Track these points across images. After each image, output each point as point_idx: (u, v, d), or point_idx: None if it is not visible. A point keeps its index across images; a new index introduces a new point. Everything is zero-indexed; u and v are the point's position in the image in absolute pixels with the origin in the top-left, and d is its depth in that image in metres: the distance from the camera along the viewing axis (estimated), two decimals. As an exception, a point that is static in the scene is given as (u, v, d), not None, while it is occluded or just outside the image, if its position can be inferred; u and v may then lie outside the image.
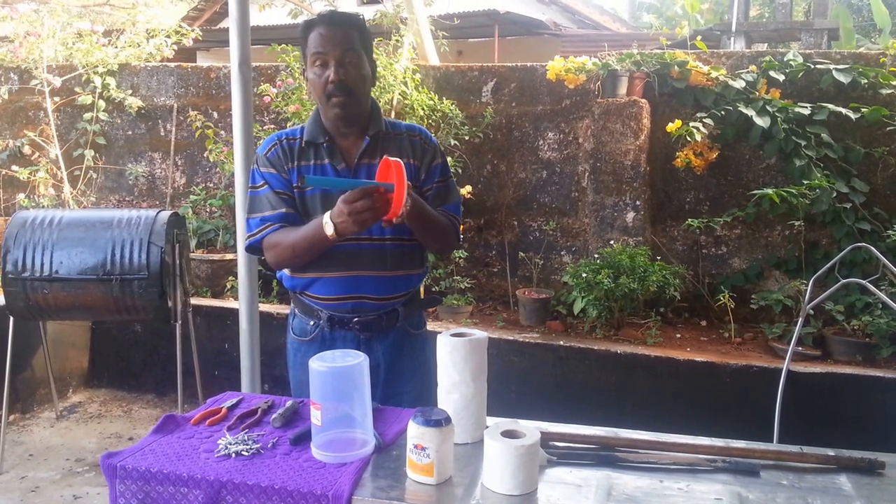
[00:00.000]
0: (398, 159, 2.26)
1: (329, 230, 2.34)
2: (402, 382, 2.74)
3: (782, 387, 3.66)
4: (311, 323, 2.70)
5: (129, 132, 7.54)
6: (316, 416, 2.03)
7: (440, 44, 7.34)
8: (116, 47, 7.66)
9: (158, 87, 7.49)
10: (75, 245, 4.43)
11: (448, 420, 1.91)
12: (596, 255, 5.75)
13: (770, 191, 5.32)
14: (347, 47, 2.51)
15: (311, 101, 5.72)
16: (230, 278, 6.18)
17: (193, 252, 6.46)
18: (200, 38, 8.37)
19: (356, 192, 2.26)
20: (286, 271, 2.71)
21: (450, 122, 6.25)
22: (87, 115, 7.38)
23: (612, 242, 5.86)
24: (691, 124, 5.59)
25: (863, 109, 5.42)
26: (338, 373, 2.04)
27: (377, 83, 5.95)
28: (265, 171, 2.62)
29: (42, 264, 4.40)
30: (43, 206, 6.96)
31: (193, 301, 5.31)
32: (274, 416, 2.30)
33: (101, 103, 7.39)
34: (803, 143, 5.49)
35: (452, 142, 6.21)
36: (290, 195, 2.60)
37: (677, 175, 6.05)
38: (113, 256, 4.40)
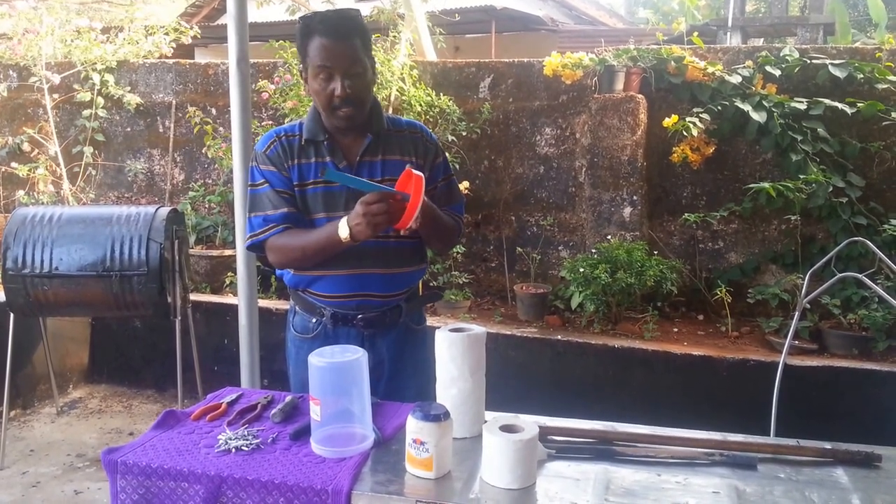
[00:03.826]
0: (421, 174, 2.28)
1: (344, 233, 2.35)
2: (406, 378, 2.74)
3: (779, 380, 3.68)
4: (314, 320, 2.70)
5: (128, 129, 7.54)
6: (315, 412, 2.05)
7: (437, 40, 7.35)
8: (115, 44, 7.65)
9: (157, 83, 7.49)
10: (75, 241, 4.44)
11: (447, 414, 1.92)
12: (593, 250, 5.76)
13: (766, 185, 5.34)
14: (353, 60, 2.47)
15: (309, 97, 5.73)
16: (229, 274, 6.19)
17: (192, 248, 6.47)
18: (199, 35, 8.36)
19: (374, 195, 2.28)
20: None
21: (447, 117, 6.26)
22: (86, 112, 7.38)
23: (609, 237, 5.87)
24: (688, 119, 5.60)
25: (859, 104, 5.44)
26: (337, 368, 2.05)
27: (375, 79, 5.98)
28: (265, 168, 2.60)
29: (42, 261, 4.41)
30: (42, 203, 6.96)
31: (193, 297, 5.32)
32: (274, 411, 2.32)
33: (100, 100, 7.38)
34: (799, 137, 5.50)
35: (450, 137, 6.22)
36: (291, 193, 2.59)
37: (674, 170, 6.06)
38: (112, 253, 4.42)
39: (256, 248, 2.65)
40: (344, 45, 2.46)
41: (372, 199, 2.27)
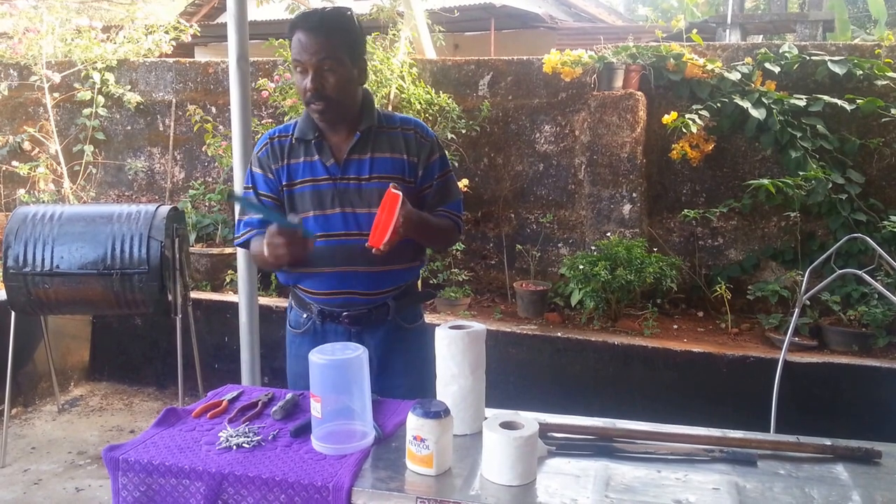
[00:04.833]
0: (399, 192, 2.29)
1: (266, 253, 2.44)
2: (395, 376, 2.75)
3: (779, 377, 3.69)
4: (305, 316, 2.74)
5: (128, 127, 7.55)
6: (316, 409, 2.05)
7: (437, 37, 7.34)
8: (115, 43, 7.66)
9: (157, 82, 7.49)
10: (76, 240, 4.44)
11: (447, 411, 1.93)
12: (593, 247, 5.77)
13: (766, 182, 5.34)
14: (324, 55, 2.46)
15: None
16: (229, 272, 6.20)
17: (193, 246, 6.48)
18: (198, 33, 8.36)
19: (275, 229, 2.36)
20: None
21: (447, 115, 6.25)
22: (87, 111, 7.38)
23: (608, 234, 5.88)
24: (687, 116, 5.60)
25: (858, 101, 5.44)
26: (337, 365, 2.06)
27: (374, 77, 5.98)
28: (255, 171, 2.67)
29: (43, 259, 4.41)
30: (43, 202, 6.96)
31: (193, 295, 5.33)
32: (274, 408, 2.33)
33: (100, 99, 7.38)
34: (799, 134, 5.50)
35: (449, 135, 6.22)
36: (273, 197, 2.65)
37: (673, 167, 6.07)
38: (113, 251, 4.42)
39: (243, 246, 2.75)
40: (318, 41, 2.46)
41: (272, 232, 2.36)
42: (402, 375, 2.77)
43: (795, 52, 5.81)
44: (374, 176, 2.57)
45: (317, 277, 2.65)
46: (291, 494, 1.90)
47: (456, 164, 6.31)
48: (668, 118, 5.67)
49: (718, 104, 5.70)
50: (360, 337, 2.67)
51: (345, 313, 2.66)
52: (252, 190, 2.67)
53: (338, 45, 2.49)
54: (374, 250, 2.33)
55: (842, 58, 5.64)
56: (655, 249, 5.78)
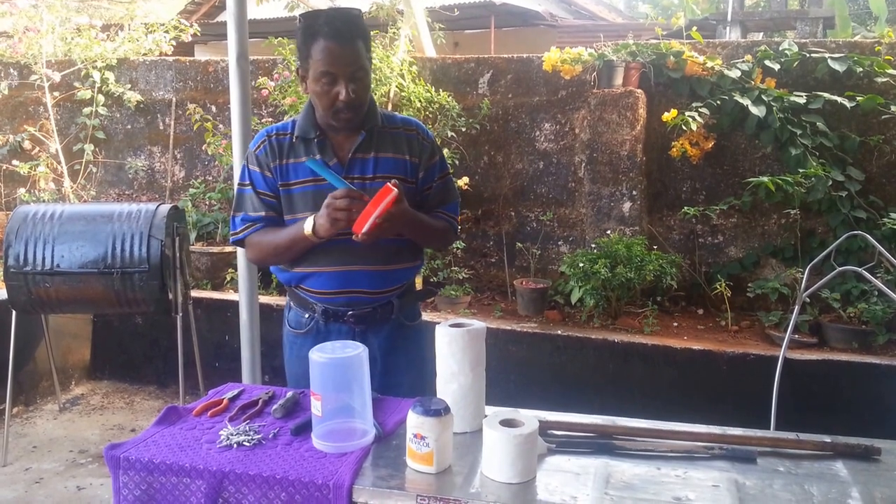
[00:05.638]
0: (395, 190, 2.29)
1: (308, 228, 2.43)
2: (398, 374, 2.75)
3: (779, 374, 3.69)
4: (307, 316, 2.72)
5: (129, 126, 7.55)
6: (316, 407, 2.06)
7: (436, 36, 7.34)
8: (115, 42, 7.67)
9: (157, 81, 7.49)
10: (76, 239, 4.44)
11: (447, 409, 1.93)
12: (593, 245, 5.77)
13: (766, 179, 5.34)
14: (357, 66, 2.46)
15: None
16: (230, 270, 6.20)
17: (193, 245, 6.49)
18: (198, 32, 8.36)
19: (341, 191, 2.35)
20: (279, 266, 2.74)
21: (447, 113, 6.26)
22: (87, 110, 7.39)
23: (608, 232, 5.88)
24: (687, 114, 5.60)
25: (858, 98, 5.44)
26: (337, 364, 2.06)
27: (374, 75, 5.98)
28: (252, 168, 2.64)
29: (44, 258, 4.41)
30: (43, 201, 6.96)
31: (194, 293, 5.33)
32: (275, 406, 2.33)
33: (101, 98, 7.39)
34: (799, 131, 5.50)
35: (449, 133, 6.22)
36: (272, 195, 2.63)
37: (673, 165, 6.07)
38: (114, 250, 4.42)
39: (239, 244, 2.73)
40: (349, 50, 2.45)
41: (338, 195, 2.34)
42: (405, 373, 2.77)
43: (795, 49, 5.81)
44: (378, 176, 2.57)
45: (320, 277, 2.64)
46: (292, 492, 1.90)
47: (456, 163, 6.32)
48: (667, 116, 5.67)
49: (718, 102, 5.70)
50: (364, 336, 2.66)
51: (349, 312, 2.65)
52: (250, 188, 2.64)
53: (363, 51, 2.50)
54: (353, 236, 2.34)
55: (842, 55, 5.64)
56: (655, 247, 5.77)
